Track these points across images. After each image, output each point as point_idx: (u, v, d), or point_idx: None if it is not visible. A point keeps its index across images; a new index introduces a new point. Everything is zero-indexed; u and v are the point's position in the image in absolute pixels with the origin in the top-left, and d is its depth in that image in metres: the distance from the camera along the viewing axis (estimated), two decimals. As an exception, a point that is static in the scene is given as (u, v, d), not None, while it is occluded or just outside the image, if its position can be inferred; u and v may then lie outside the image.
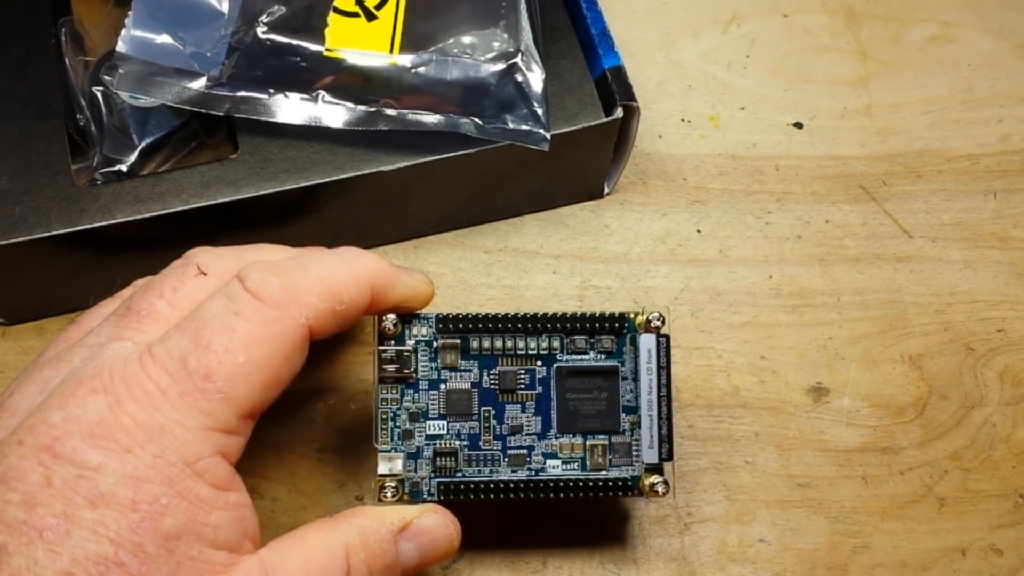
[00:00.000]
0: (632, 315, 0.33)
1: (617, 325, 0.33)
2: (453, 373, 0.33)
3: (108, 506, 0.25)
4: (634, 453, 0.33)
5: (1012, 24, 0.47)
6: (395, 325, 0.32)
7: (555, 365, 0.33)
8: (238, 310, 0.27)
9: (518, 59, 0.36)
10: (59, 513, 0.24)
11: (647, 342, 0.32)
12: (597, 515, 0.36)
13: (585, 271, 0.40)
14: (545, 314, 0.33)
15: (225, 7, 0.36)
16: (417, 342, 0.32)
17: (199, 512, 0.26)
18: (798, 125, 0.44)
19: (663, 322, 0.32)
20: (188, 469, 0.26)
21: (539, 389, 0.33)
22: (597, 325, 0.33)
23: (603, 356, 0.33)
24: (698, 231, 0.42)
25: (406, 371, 0.32)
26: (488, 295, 0.40)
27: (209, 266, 0.29)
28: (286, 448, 0.36)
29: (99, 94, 0.37)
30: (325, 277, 0.29)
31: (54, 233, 0.34)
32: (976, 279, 0.41)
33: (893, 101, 0.45)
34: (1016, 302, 0.41)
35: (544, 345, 0.33)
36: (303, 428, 0.37)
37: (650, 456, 0.32)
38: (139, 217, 0.34)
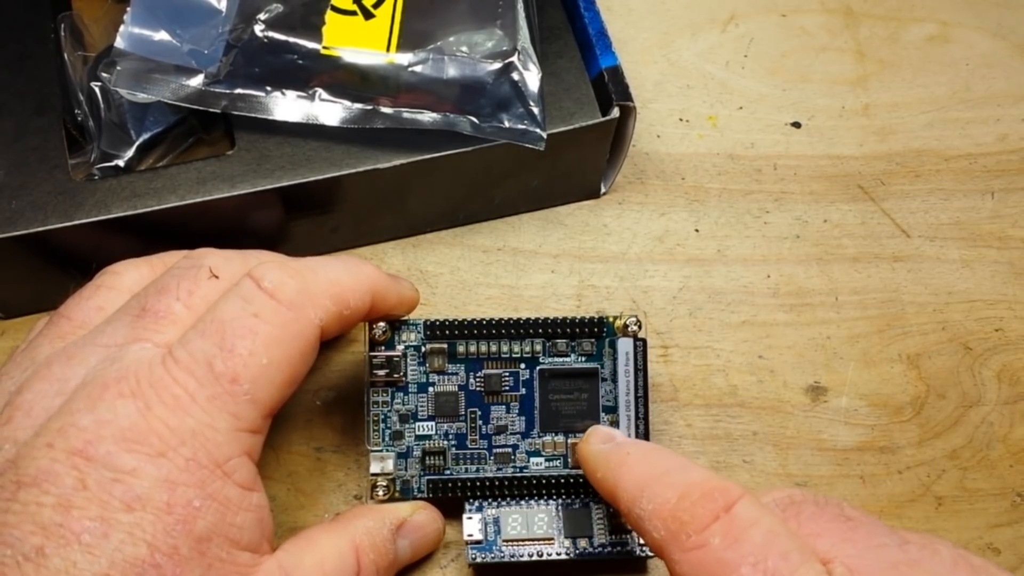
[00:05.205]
0: (611, 319, 0.34)
1: (596, 329, 0.34)
2: (441, 376, 0.34)
3: (144, 509, 0.25)
4: None
5: (1010, 24, 0.47)
6: (385, 332, 0.33)
7: (538, 368, 0.34)
8: (256, 312, 0.28)
9: (515, 58, 0.36)
10: (96, 516, 0.25)
11: (625, 346, 0.34)
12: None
13: (583, 271, 0.40)
14: (528, 319, 0.34)
15: (223, 5, 0.36)
16: (406, 347, 0.34)
17: (227, 513, 0.26)
18: (796, 125, 0.44)
19: (640, 326, 0.34)
20: (218, 470, 0.26)
21: (523, 391, 0.34)
22: (578, 329, 0.34)
23: (583, 359, 0.34)
24: (696, 231, 0.42)
25: (396, 375, 0.34)
26: (487, 295, 0.40)
27: (220, 269, 0.30)
28: (284, 448, 0.36)
29: (97, 89, 0.37)
30: (335, 282, 0.30)
31: (50, 227, 0.34)
32: (974, 278, 0.41)
33: (891, 101, 0.45)
34: (1014, 301, 0.40)
35: (527, 349, 0.34)
36: (301, 428, 0.37)
37: None
38: (135, 212, 0.34)
